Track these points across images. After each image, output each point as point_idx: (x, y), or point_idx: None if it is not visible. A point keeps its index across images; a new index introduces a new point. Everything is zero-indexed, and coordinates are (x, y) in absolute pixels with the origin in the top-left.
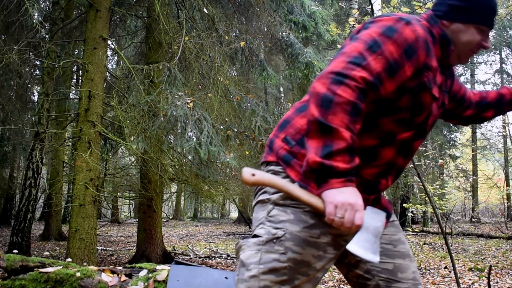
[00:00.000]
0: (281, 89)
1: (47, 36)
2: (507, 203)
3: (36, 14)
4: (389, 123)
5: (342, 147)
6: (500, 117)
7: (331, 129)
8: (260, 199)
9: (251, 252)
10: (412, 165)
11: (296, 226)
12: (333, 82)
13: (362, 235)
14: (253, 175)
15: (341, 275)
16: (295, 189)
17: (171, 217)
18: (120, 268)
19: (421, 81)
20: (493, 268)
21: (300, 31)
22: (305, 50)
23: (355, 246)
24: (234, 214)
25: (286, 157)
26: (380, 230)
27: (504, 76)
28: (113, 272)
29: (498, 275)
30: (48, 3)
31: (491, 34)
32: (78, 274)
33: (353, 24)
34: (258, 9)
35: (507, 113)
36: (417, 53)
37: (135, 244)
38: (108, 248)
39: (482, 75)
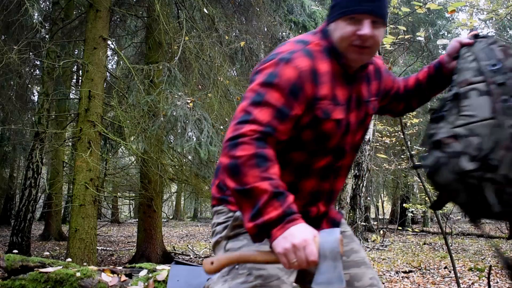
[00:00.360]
0: None
1: (47, 36)
2: None
3: (36, 14)
4: (300, 156)
5: (266, 199)
6: None
7: (248, 190)
8: (216, 241)
9: (219, 285)
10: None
11: (252, 247)
12: (230, 148)
13: (322, 266)
14: (212, 263)
15: None
16: (251, 255)
17: (171, 217)
18: (120, 268)
19: (314, 115)
20: (493, 268)
21: (300, 31)
22: None
23: (318, 283)
24: None
25: (223, 198)
26: (337, 250)
27: None
28: (113, 272)
29: (498, 275)
30: (48, 3)
31: (491, 34)
32: (78, 274)
33: None
34: (258, 9)
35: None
36: (303, 89)
37: (135, 244)
38: (108, 248)
39: None
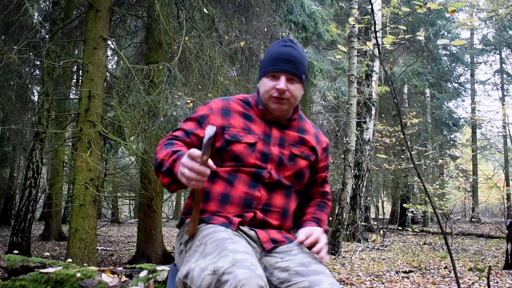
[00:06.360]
0: None
1: (47, 36)
2: (507, 203)
3: (36, 14)
4: (228, 168)
5: (167, 157)
6: (499, 117)
7: (160, 162)
8: (180, 257)
9: (179, 257)
10: (412, 165)
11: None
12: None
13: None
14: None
15: (341, 275)
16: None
17: (171, 217)
18: (121, 268)
19: (224, 138)
20: (493, 268)
21: (300, 31)
22: (305, 50)
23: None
24: None
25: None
26: (210, 134)
27: (504, 76)
28: (113, 272)
29: (498, 275)
30: (48, 3)
31: (491, 34)
32: (78, 275)
33: (353, 24)
34: (258, 9)
35: None
36: (207, 120)
37: (135, 244)
38: (108, 248)
39: (482, 75)
